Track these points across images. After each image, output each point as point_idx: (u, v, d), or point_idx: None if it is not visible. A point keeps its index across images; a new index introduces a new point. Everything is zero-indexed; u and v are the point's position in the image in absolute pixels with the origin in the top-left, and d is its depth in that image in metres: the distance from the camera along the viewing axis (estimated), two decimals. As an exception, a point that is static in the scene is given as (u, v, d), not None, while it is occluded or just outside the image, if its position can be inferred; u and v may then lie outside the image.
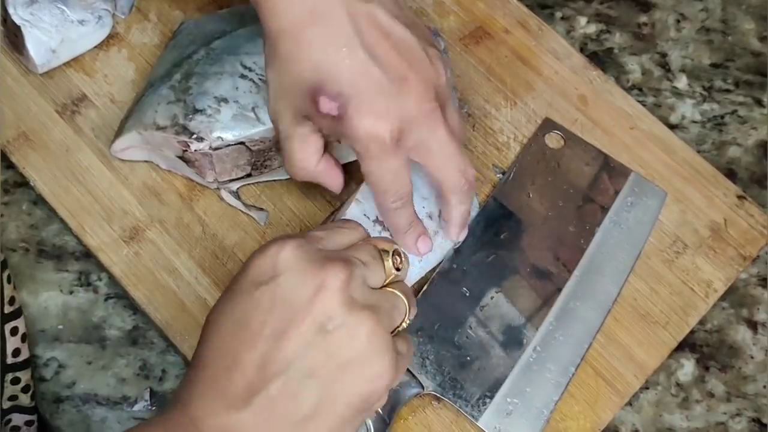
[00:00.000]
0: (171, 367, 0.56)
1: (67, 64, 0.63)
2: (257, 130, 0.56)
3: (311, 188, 0.59)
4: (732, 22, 0.70)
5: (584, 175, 0.60)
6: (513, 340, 0.54)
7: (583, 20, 0.70)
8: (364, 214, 0.54)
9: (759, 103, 0.67)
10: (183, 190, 0.60)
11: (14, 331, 0.54)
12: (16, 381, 0.54)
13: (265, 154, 0.58)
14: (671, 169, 0.61)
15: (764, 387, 0.57)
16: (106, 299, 0.58)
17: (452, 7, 0.67)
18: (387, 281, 0.46)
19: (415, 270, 0.55)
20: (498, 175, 0.61)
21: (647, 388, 0.56)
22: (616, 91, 0.64)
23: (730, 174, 0.63)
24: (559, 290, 0.56)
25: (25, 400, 0.54)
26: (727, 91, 0.67)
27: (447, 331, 0.54)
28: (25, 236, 0.60)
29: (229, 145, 0.57)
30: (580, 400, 0.54)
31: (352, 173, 0.60)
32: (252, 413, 0.40)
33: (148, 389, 0.56)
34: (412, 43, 0.49)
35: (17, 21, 0.60)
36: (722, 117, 0.66)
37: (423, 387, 0.53)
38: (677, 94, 0.67)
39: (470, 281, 0.56)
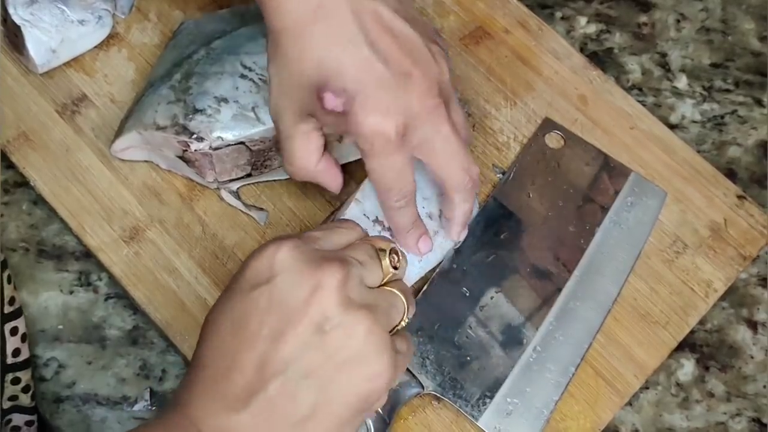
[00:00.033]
0: (171, 367, 0.56)
1: (67, 64, 0.63)
2: (257, 130, 0.56)
3: (311, 188, 0.59)
4: (732, 22, 0.70)
5: (584, 175, 0.60)
6: (513, 340, 0.54)
7: (583, 20, 0.70)
8: (364, 214, 0.54)
9: (759, 103, 0.67)
10: (183, 190, 0.60)
11: (14, 331, 0.54)
12: (16, 381, 0.54)
13: (265, 154, 0.58)
14: (671, 169, 0.61)
15: (764, 387, 0.57)
16: (106, 299, 0.58)
17: (452, 7, 0.67)
18: (385, 280, 0.46)
19: (415, 270, 0.55)
20: (498, 175, 0.61)
21: (647, 388, 0.56)
22: (616, 91, 0.64)
23: (730, 174, 0.63)
24: (559, 290, 0.56)
25: (25, 400, 0.54)
26: (727, 91, 0.67)
27: (447, 331, 0.54)
28: (25, 236, 0.60)
29: (229, 145, 0.57)
30: (580, 400, 0.54)
31: (352, 173, 0.60)
32: (251, 414, 0.40)
33: (148, 389, 0.56)
34: (415, 40, 0.50)
35: (17, 21, 0.60)
36: (722, 117, 0.66)
37: (423, 387, 0.53)
38: (677, 94, 0.67)
39: (470, 281, 0.56)
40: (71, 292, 0.58)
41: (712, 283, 0.58)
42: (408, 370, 0.53)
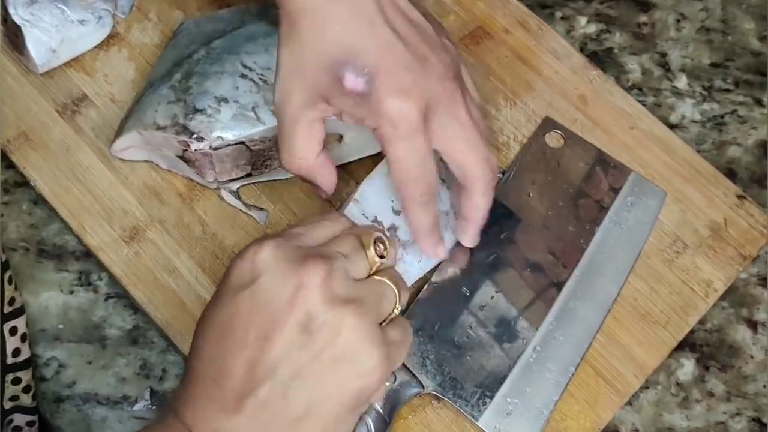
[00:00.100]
0: (171, 367, 0.57)
1: (68, 63, 0.63)
2: (257, 129, 0.56)
3: (311, 188, 0.59)
4: (732, 21, 0.70)
5: (584, 174, 0.60)
6: (513, 340, 0.54)
7: (583, 20, 0.70)
8: (363, 214, 0.54)
9: (759, 102, 0.67)
10: (183, 190, 0.60)
11: (13, 331, 0.54)
12: (17, 381, 0.54)
13: (265, 154, 0.58)
14: (671, 168, 0.61)
15: (764, 386, 0.57)
16: (106, 299, 0.58)
17: (452, 7, 0.67)
18: (373, 270, 0.45)
19: (414, 270, 0.55)
20: (498, 175, 0.61)
21: (647, 388, 0.56)
22: (616, 91, 0.64)
23: (730, 174, 0.63)
24: (559, 290, 0.56)
25: (26, 400, 0.54)
26: (727, 90, 0.67)
27: (447, 331, 0.54)
28: (25, 236, 0.60)
29: (229, 145, 0.57)
30: (580, 400, 0.54)
31: (352, 173, 0.60)
32: (245, 417, 0.40)
33: (149, 389, 0.56)
34: (429, 29, 0.50)
35: (18, 21, 0.60)
36: (722, 117, 0.66)
37: (423, 387, 0.53)
38: (677, 93, 0.67)
39: (470, 281, 0.56)
40: (71, 292, 0.59)
41: (712, 282, 0.58)
42: (408, 369, 0.53)
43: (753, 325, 0.59)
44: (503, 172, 0.60)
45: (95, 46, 0.64)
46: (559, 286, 0.56)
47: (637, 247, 0.58)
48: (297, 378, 0.40)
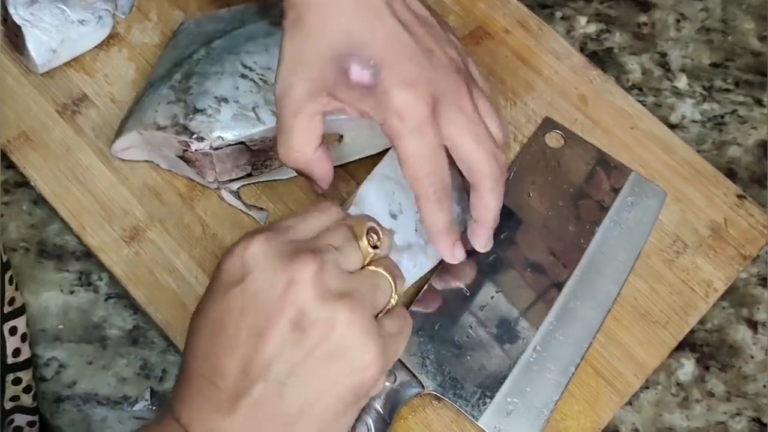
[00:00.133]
0: (171, 367, 0.57)
1: (68, 63, 0.63)
2: (257, 129, 0.56)
3: (307, 183, 0.58)
4: (732, 21, 0.70)
5: (584, 174, 0.60)
6: (513, 340, 0.54)
7: (583, 20, 0.70)
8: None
9: (759, 102, 0.67)
10: (183, 190, 0.60)
11: (13, 331, 0.54)
12: (17, 381, 0.54)
13: (266, 154, 0.58)
14: (671, 168, 0.61)
15: (764, 386, 0.57)
16: (106, 299, 0.58)
17: (452, 7, 0.67)
18: (367, 261, 0.44)
19: (410, 276, 0.55)
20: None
21: (647, 388, 0.56)
22: (616, 91, 0.64)
23: (730, 174, 0.63)
24: (559, 290, 0.56)
25: (27, 400, 0.54)
26: (727, 90, 0.67)
27: (447, 331, 0.54)
28: (25, 236, 0.60)
29: (229, 145, 0.57)
30: (581, 400, 0.54)
31: (352, 173, 0.60)
32: (240, 417, 0.39)
33: (149, 389, 0.56)
34: (434, 23, 0.49)
35: (18, 21, 0.60)
36: (722, 117, 0.66)
37: (423, 387, 0.53)
38: (677, 93, 0.67)
39: (470, 281, 0.56)
40: (72, 292, 0.59)
41: (712, 282, 0.58)
42: (408, 369, 0.53)
43: (753, 325, 0.59)
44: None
45: (95, 46, 0.64)
46: (559, 286, 0.56)
47: (638, 247, 0.58)
48: (291, 376, 0.40)
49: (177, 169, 0.60)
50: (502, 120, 0.51)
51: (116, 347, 0.57)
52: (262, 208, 0.59)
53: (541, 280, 0.56)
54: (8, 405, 0.53)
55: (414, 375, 0.53)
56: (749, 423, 0.56)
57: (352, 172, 0.60)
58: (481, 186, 0.50)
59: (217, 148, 0.56)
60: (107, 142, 0.60)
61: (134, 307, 0.58)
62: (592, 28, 0.70)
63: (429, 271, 0.56)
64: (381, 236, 0.45)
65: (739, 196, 0.60)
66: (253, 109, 0.57)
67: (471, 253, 0.56)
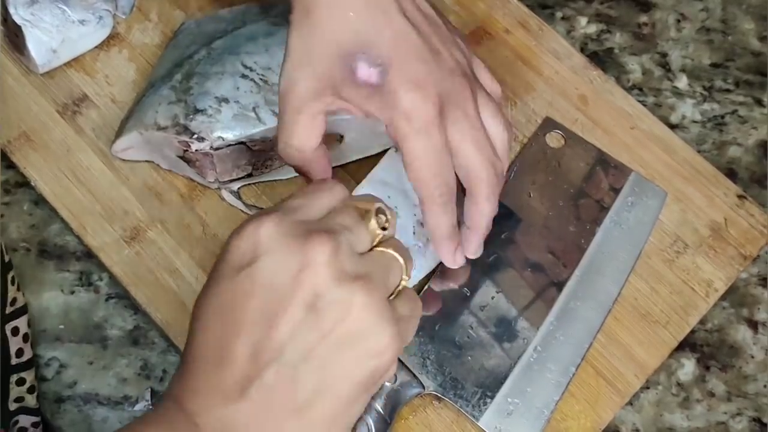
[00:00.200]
0: (172, 367, 0.57)
1: (68, 64, 0.63)
2: (258, 130, 0.56)
3: (305, 180, 0.58)
4: (732, 21, 0.70)
5: (584, 174, 0.60)
6: (513, 340, 0.54)
7: (583, 20, 0.70)
8: None
9: (759, 102, 0.67)
10: (184, 190, 0.60)
11: (15, 331, 0.54)
12: (21, 382, 0.54)
13: (266, 154, 0.58)
14: (672, 168, 0.61)
15: (765, 386, 0.57)
16: (107, 299, 0.58)
17: (453, 7, 0.67)
18: (375, 242, 0.43)
19: (410, 281, 0.55)
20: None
21: (648, 388, 0.56)
22: (616, 91, 0.64)
23: (731, 174, 0.63)
24: (560, 290, 0.56)
25: (31, 401, 0.54)
26: (728, 90, 0.67)
27: (447, 331, 0.54)
28: (26, 236, 0.60)
29: (229, 145, 0.57)
30: (581, 400, 0.54)
31: (353, 173, 0.60)
32: (249, 404, 0.38)
33: (149, 389, 0.56)
34: (440, 23, 0.49)
35: (18, 21, 0.60)
36: (722, 117, 0.66)
37: (424, 387, 0.53)
38: (677, 93, 0.67)
39: (471, 281, 0.56)
40: (72, 292, 0.59)
41: (712, 282, 0.58)
42: (409, 370, 0.53)
43: (753, 325, 0.59)
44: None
45: (96, 47, 0.64)
46: (559, 286, 0.56)
47: (638, 247, 0.58)
48: (305, 360, 0.38)
49: (177, 170, 0.60)
50: (508, 121, 0.51)
51: (117, 347, 0.57)
52: (262, 208, 0.59)
53: (541, 280, 0.56)
54: (13, 406, 0.53)
55: (414, 375, 0.53)
56: (750, 423, 0.56)
57: (352, 172, 0.60)
58: (478, 192, 0.50)
59: (217, 149, 0.57)
60: (108, 142, 0.60)
61: (135, 308, 0.58)
62: (593, 29, 0.70)
63: (428, 273, 0.56)
64: (389, 217, 0.44)
65: (740, 196, 0.60)
66: (254, 109, 0.57)
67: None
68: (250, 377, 0.38)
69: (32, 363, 0.55)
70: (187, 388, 0.39)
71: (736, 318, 0.59)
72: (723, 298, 0.58)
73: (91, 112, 0.62)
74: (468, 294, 0.56)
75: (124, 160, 0.60)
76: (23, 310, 0.56)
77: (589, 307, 0.56)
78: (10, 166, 0.61)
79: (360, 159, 0.60)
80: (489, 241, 0.56)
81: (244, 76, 0.57)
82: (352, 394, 0.39)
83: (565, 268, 0.57)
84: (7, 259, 0.55)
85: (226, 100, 0.57)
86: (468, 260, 0.55)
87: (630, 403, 0.56)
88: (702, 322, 0.58)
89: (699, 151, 0.63)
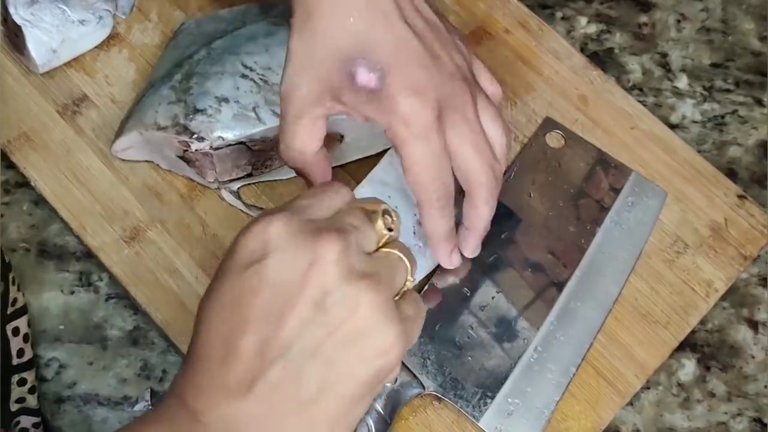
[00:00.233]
0: (172, 368, 0.56)
1: (68, 64, 0.63)
2: (258, 129, 0.56)
3: (304, 182, 0.58)
4: (732, 22, 0.70)
5: (585, 174, 0.60)
6: (514, 340, 0.54)
7: (583, 20, 0.70)
8: None
9: (759, 102, 0.67)
10: (184, 190, 0.60)
11: (16, 332, 0.54)
12: (22, 382, 0.54)
13: (266, 154, 0.58)
14: (672, 168, 0.61)
15: (765, 387, 0.57)
16: (106, 299, 0.58)
17: (452, 7, 0.67)
18: (381, 243, 0.43)
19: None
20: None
21: (648, 388, 0.56)
22: (616, 91, 0.64)
23: (731, 174, 0.63)
24: (560, 290, 0.56)
25: (32, 401, 0.54)
26: (728, 90, 0.67)
27: (448, 332, 0.54)
28: (25, 236, 0.60)
29: (229, 145, 0.57)
30: (581, 400, 0.54)
31: (353, 173, 0.60)
32: (254, 401, 0.38)
33: (149, 389, 0.56)
34: (441, 27, 0.49)
35: (18, 21, 0.60)
36: (723, 117, 0.66)
37: (424, 387, 0.53)
38: (678, 94, 0.67)
39: (471, 281, 0.56)
40: (72, 293, 0.58)
41: (712, 282, 0.58)
42: (409, 370, 0.53)
43: (754, 325, 0.59)
44: (504, 172, 0.60)
45: (96, 47, 0.64)
46: (559, 286, 0.56)
47: (638, 247, 0.58)
48: (312, 357, 0.38)
49: (177, 169, 0.60)
50: (506, 124, 0.52)
51: (117, 348, 0.57)
52: (262, 208, 0.59)
53: (541, 280, 0.56)
54: (14, 407, 0.53)
55: (415, 375, 0.53)
56: (750, 423, 0.56)
57: (352, 172, 0.60)
58: (476, 195, 0.50)
59: (217, 148, 0.56)
60: (107, 142, 0.60)
61: (134, 308, 0.58)
62: (593, 29, 0.70)
63: (428, 273, 0.56)
64: (394, 218, 0.44)
65: (740, 196, 0.60)
66: (254, 109, 0.57)
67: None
68: (256, 374, 0.38)
69: (33, 363, 0.55)
70: (192, 386, 0.39)
71: (737, 318, 0.59)
72: (723, 298, 0.58)
73: (91, 112, 0.62)
74: (468, 294, 0.56)
75: (123, 160, 0.60)
76: (23, 311, 0.56)
77: (589, 308, 0.56)
78: (10, 166, 0.61)
79: (360, 159, 0.60)
80: (489, 241, 0.56)
81: (244, 76, 0.57)
82: (357, 394, 0.39)
83: (566, 268, 0.57)
84: (7, 259, 0.55)
85: (226, 100, 0.57)
86: (468, 260, 0.55)
87: (630, 403, 0.56)
88: (702, 322, 0.58)
89: (699, 151, 0.63)
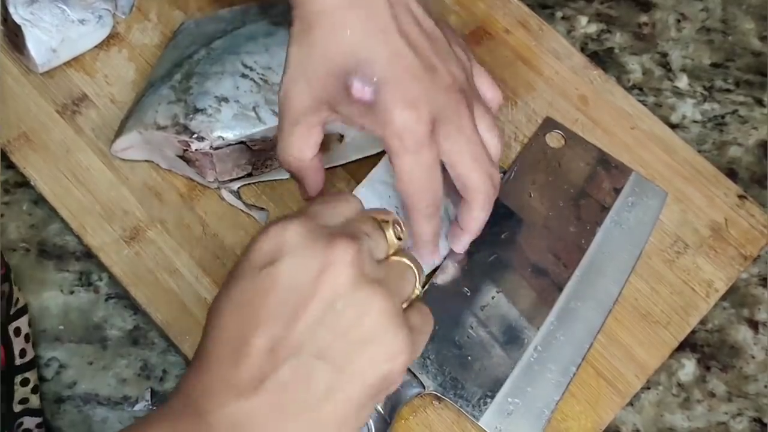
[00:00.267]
0: (172, 368, 0.56)
1: (68, 63, 0.63)
2: (258, 129, 0.56)
3: (298, 187, 0.58)
4: (732, 21, 0.70)
5: (585, 174, 0.60)
6: (514, 340, 0.54)
7: (583, 20, 0.70)
8: None
9: (759, 102, 0.67)
10: (183, 190, 0.60)
11: (17, 332, 0.54)
12: (25, 382, 0.54)
13: (266, 154, 0.58)
14: (672, 168, 0.61)
15: (765, 387, 0.57)
16: (106, 299, 0.58)
17: (453, 7, 0.67)
18: (391, 252, 0.44)
19: None
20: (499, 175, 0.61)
21: (648, 388, 0.56)
22: (616, 91, 0.64)
23: (731, 174, 0.63)
24: (560, 290, 0.56)
25: (35, 401, 0.54)
26: (728, 90, 0.67)
27: (448, 331, 0.54)
28: (25, 236, 0.60)
29: (229, 145, 0.57)
30: (582, 400, 0.54)
31: (353, 173, 0.60)
32: (263, 399, 0.38)
33: (149, 389, 0.56)
34: (442, 38, 0.50)
35: (18, 20, 0.60)
36: (723, 117, 0.66)
37: (424, 387, 0.53)
38: (678, 93, 0.67)
39: (471, 281, 0.56)
40: (72, 292, 0.58)
41: (713, 283, 0.58)
42: (409, 369, 0.53)
43: (754, 325, 0.59)
44: (504, 172, 0.60)
45: (95, 46, 0.64)
46: (560, 286, 0.56)
47: (638, 247, 0.58)
48: (321, 358, 0.39)
49: (177, 169, 0.60)
50: (501, 136, 0.53)
51: (116, 347, 0.57)
52: (262, 208, 0.59)
53: (541, 280, 0.56)
54: (18, 408, 0.53)
55: (415, 375, 0.53)
56: (750, 423, 0.56)
57: (353, 172, 0.60)
58: (474, 202, 0.51)
59: (217, 148, 0.56)
60: (107, 142, 0.60)
61: (134, 308, 0.58)
62: (593, 28, 0.70)
63: (428, 273, 0.56)
64: (403, 228, 0.45)
65: (740, 197, 0.60)
66: (254, 108, 0.57)
67: (471, 253, 0.56)
68: (266, 373, 0.38)
69: (34, 363, 0.55)
70: (200, 386, 0.40)
71: (737, 318, 0.59)
72: (723, 298, 0.58)
73: (90, 111, 0.62)
74: (468, 294, 0.56)
75: (123, 159, 0.60)
76: (23, 310, 0.56)
77: (589, 308, 0.56)
78: (10, 166, 0.61)
79: (360, 159, 0.60)
80: (489, 241, 0.56)
81: (244, 76, 0.57)
82: (363, 397, 0.40)
83: (566, 268, 0.57)
84: (7, 260, 0.55)
85: (226, 100, 0.56)
86: (468, 260, 0.56)
87: (630, 403, 0.56)
88: (702, 322, 0.58)
89: (699, 151, 0.63)
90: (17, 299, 0.55)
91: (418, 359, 0.53)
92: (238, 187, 0.60)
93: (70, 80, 0.63)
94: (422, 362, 0.53)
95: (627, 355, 0.55)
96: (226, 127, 0.56)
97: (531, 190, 0.60)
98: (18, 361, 0.54)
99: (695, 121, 0.66)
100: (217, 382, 0.39)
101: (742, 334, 0.58)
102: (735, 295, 0.59)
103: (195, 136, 0.56)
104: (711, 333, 0.58)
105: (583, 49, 0.68)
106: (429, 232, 0.51)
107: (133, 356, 0.57)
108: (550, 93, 0.64)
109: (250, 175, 0.59)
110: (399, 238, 0.44)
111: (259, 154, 0.58)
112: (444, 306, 0.55)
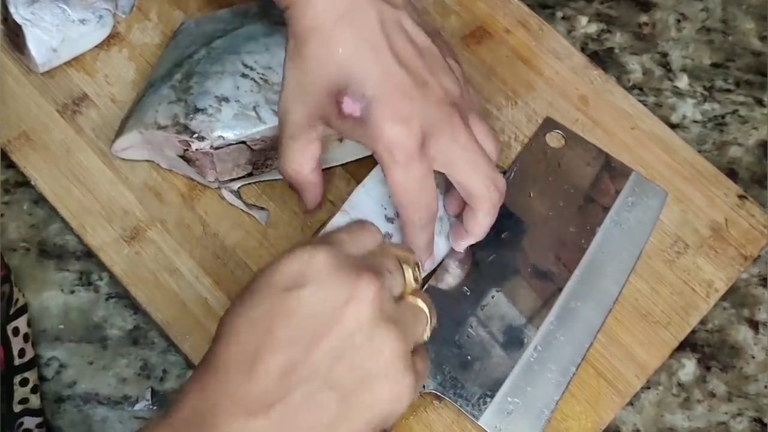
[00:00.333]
0: (172, 367, 0.56)
1: (68, 63, 0.63)
2: (258, 129, 0.56)
3: (298, 198, 0.58)
4: (732, 21, 0.70)
5: (585, 174, 0.60)
6: (514, 340, 0.54)
7: (583, 20, 0.70)
8: None
9: (760, 102, 0.67)
10: (184, 190, 0.60)
11: (16, 332, 0.54)
12: (25, 382, 0.54)
13: (267, 154, 0.58)
14: (672, 168, 0.61)
15: (765, 387, 0.57)
16: (107, 299, 0.58)
17: (453, 7, 0.67)
18: (407, 291, 0.45)
19: None
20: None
21: (648, 388, 0.56)
22: (616, 91, 0.64)
23: (731, 174, 0.63)
24: (560, 290, 0.56)
25: (35, 401, 0.54)
26: (728, 90, 0.67)
27: (448, 331, 0.54)
28: (25, 236, 0.60)
29: (230, 145, 0.57)
30: (582, 400, 0.54)
31: (353, 173, 0.60)
32: (270, 420, 0.39)
33: (149, 389, 0.56)
34: (435, 52, 0.51)
35: (18, 20, 0.60)
36: (723, 117, 0.66)
37: (424, 386, 0.53)
38: (678, 93, 0.67)
39: (471, 281, 0.56)
40: (72, 292, 0.58)
41: (713, 283, 0.58)
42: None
43: (754, 325, 0.59)
44: (504, 172, 0.60)
45: (96, 46, 0.64)
46: (560, 286, 0.56)
47: (638, 248, 0.58)
48: (332, 388, 0.39)
49: (177, 169, 0.60)
50: (498, 141, 0.54)
51: (117, 347, 0.57)
52: (262, 208, 0.59)
53: (541, 280, 0.56)
54: (17, 408, 0.53)
55: (415, 375, 0.53)
56: (750, 423, 0.56)
57: (353, 172, 0.60)
58: (479, 209, 0.52)
59: (217, 148, 0.56)
60: (108, 141, 0.60)
61: (135, 307, 0.58)
62: (593, 28, 0.70)
63: (428, 273, 0.56)
64: (420, 269, 0.46)
65: (740, 197, 0.60)
66: (254, 108, 0.56)
67: (471, 252, 0.56)
68: (278, 394, 0.39)
69: (34, 363, 0.55)
70: (207, 397, 0.40)
71: (737, 318, 0.59)
72: (724, 298, 0.58)
73: (91, 111, 0.62)
74: (468, 293, 0.56)
75: (124, 159, 0.60)
76: (23, 310, 0.56)
77: (589, 307, 0.56)
78: (10, 165, 0.61)
79: (360, 159, 0.60)
80: (489, 241, 0.56)
81: (244, 76, 0.57)
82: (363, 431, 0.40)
83: (566, 268, 0.57)
84: (7, 260, 0.55)
85: (226, 100, 0.56)
86: (468, 259, 0.56)
87: (631, 403, 0.56)
88: (703, 322, 0.58)
89: (699, 151, 0.63)
90: (17, 299, 0.55)
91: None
92: (239, 187, 0.60)
93: (70, 80, 0.63)
94: (422, 362, 0.53)
95: (627, 355, 0.55)
96: (226, 126, 0.56)
97: (531, 190, 0.60)
98: (17, 361, 0.54)
99: (695, 121, 0.66)
100: (227, 397, 0.39)
101: (743, 334, 0.58)
102: (735, 295, 0.59)
103: (195, 135, 0.56)
104: (711, 333, 0.58)
105: (583, 49, 0.68)
106: (423, 240, 0.52)
107: (133, 356, 0.57)
108: (551, 93, 0.64)
109: (250, 174, 0.59)
110: (416, 280, 0.45)
111: (260, 153, 0.58)
112: (444, 305, 0.55)
